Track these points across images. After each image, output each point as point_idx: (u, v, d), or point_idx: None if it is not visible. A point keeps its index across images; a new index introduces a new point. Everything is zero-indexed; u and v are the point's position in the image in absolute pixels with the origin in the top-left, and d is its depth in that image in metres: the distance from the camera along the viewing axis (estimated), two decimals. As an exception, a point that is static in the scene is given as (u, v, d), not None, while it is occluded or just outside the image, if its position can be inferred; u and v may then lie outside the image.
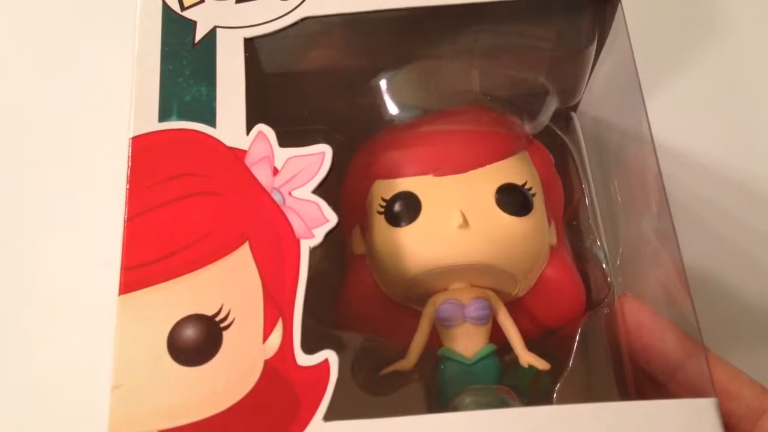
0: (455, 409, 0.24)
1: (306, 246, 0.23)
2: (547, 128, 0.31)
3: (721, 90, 0.40)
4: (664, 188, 0.25)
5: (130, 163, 0.24)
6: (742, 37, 0.42)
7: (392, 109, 0.30)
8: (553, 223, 0.29)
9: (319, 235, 0.23)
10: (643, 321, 0.26)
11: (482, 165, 0.28)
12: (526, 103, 0.31)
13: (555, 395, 0.27)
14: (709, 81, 0.40)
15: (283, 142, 0.25)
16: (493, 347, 0.27)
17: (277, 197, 0.24)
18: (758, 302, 0.35)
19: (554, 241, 0.29)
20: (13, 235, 0.38)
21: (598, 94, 0.32)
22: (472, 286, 0.27)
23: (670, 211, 0.25)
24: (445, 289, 0.27)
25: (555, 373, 0.27)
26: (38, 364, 0.34)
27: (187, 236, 0.23)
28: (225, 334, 0.22)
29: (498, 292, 0.28)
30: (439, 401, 0.27)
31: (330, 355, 0.21)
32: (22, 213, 0.38)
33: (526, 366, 0.26)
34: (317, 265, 0.23)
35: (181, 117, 0.25)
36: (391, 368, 0.27)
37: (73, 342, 0.34)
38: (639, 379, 0.27)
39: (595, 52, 0.30)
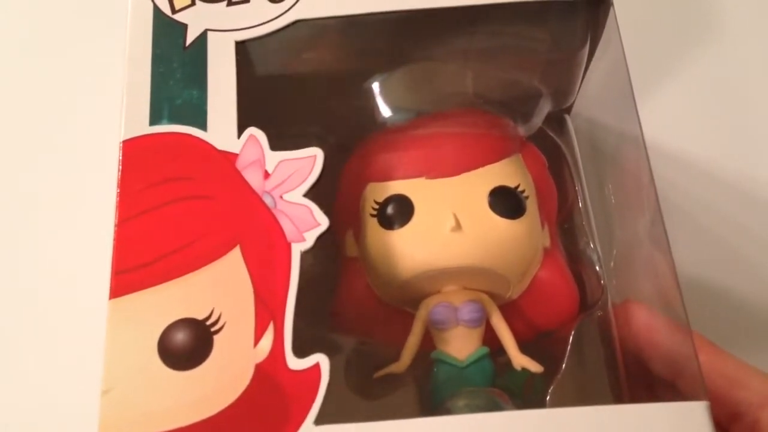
0: (448, 411, 0.24)
1: (297, 250, 0.23)
2: (540, 130, 0.32)
3: (713, 92, 0.40)
4: (656, 191, 0.25)
5: (120, 167, 0.24)
6: (734, 40, 0.42)
7: (385, 111, 0.30)
8: (546, 226, 0.29)
9: (310, 239, 0.23)
10: (653, 323, 0.26)
11: (475, 168, 0.28)
12: (520, 106, 0.31)
13: (548, 398, 0.27)
14: (702, 83, 0.40)
15: (275, 145, 0.25)
16: (486, 350, 0.27)
17: (268, 201, 0.24)
18: (753, 303, 0.35)
19: (547, 243, 0.29)
20: (1, 239, 0.38)
21: (591, 96, 0.32)
22: (465, 288, 0.27)
23: (662, 213, 0.25)
24: (438, 292, 0.27)
25: (548, 376, 0.27)
26: (28, 369, 0.34)
27: (178, 240, 0.23)
28: (216, 338, 0.22)
29: (491, 295, 0.28)
30: (432, 404, 0.27)
31: (321, 359, 0.21)
32: (12, 217, 0.38)
33: (519, 369, 0.26)
34: (310, 268, 0.23)
35: (172, 120, 0.25)
36: (384, 371, 0.27)
37: (64, 346, 0.34)
38: (633, 382, 0.27)
39: (588, 55, 0.30)
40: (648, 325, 0.27)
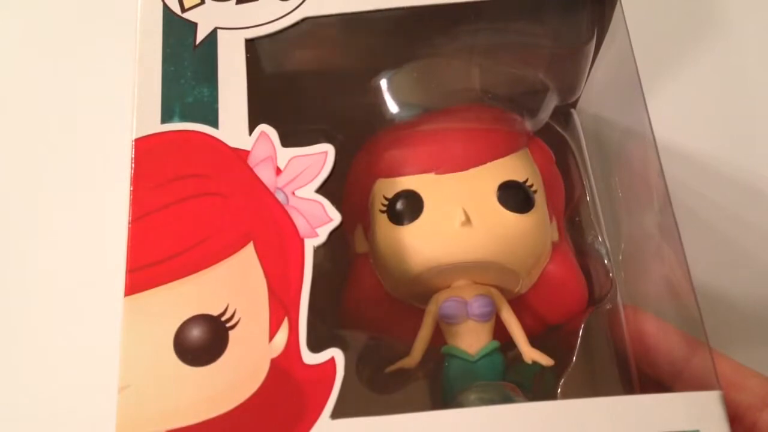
0: (460, 405, 0.24)
1: (310, 245, 0.23)
2: (547, 125, 0.32)
3: (722, 86, 0.40)
4: (665, 184, 0.25)
5: (133, 165, 0.24)
6: (743, 33, 0.42)
7: (393, 108, 0.30)
8: (554, 220, 0.29)
9: (323, 234, 0.23)
10: (645, 328, 0.27)
11: (483, 162, 0.28)
12: (526, 101, 0.31)
13: (559, 391, 0.27)
14: (710, 77, 0.40)
15: (286, 141, 0.25)
16: (496, 344, 0.27)
17: (280, 197, 0.24)
18: (759, 301, 0.35)
19: (556, 237, 0.29)
20: (17, 238, 0.38)
21: (597, 90, 0.32)
22: (474, 283, 0.28)
23: (672, 206, 0.25)
24: (448, 287, 0.28)
25: (559, 369, 0.27)
26: (45, 367, 0.34)
27: (192, 237, 0.23)
28: (231, 333, 0.22)
29: (501, 289, 0.28)
30: (443, 398, 0.27)
31: (336, 354, 0.21)
32: (26, 216, 0.38)
33: (529, 362, 0.26)
34: (320, 264, 0.23)
35: (184, 118, 0.25)
36: (395, 366, 0.27)
37: (80, 344, 0.34)
38: (642, 375, 0.28)
39: (594, 49, 0.30)
40: (641, 331, 0.27)
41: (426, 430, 0.21)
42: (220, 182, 0.24)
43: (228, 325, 0.22)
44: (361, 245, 0.29)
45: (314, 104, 0.30)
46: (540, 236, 0.28)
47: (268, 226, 0.23)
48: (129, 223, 0.23)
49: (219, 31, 0.26)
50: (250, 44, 0.26)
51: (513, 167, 0.28)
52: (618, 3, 0.28)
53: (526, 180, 0.28)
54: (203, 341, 0.22)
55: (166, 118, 0.25)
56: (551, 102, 0.31)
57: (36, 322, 0.35)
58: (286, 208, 0.24)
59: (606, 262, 0.30)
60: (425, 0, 0.27)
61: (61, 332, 0.35)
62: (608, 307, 0.29)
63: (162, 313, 0.22)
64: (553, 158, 0.31)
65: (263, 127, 0.25)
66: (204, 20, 0.27)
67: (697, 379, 0.24)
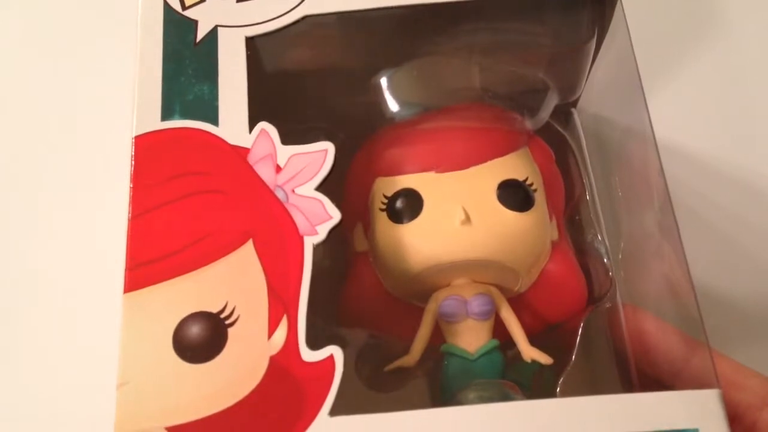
0: (459, 404, 0.24)
1: (310, 243, 0.23)
2: (547, 124, 0.32)
3: (722, 86, 0.40)
4: (666, 183, 0.25)
5: (133, 162, 0.24)
6: (744, 32, 0.42)
7: (393, 106, 0.30)
8: (554, 219, 0.29)
9: (322, 232, 0.23)
10: (644, 327, 0.27)
11: (483, 161, 0.28)
12: (527, 100, 0.31)
13: (558, 390, 0.27)
14: (710, 77, 0.40)
15: (286, 139, 0.25)
16: (496, 342, 0.27)
17: (280, 195, 0.24)
18: (760, 301, 0.35)
19: (556, 236, 0.29)
20: (16, 235, 0.38)
21: (598, 90, 0.32)
22: (474, 281, 0.28)
23: (672, 204, 0.25)
24: (448, 285, 0.28)
25: (558, 368, 0.27)
26: (44, 363, 0.34)
27: (191, 234, 0.23)
28: (230, 331, 0.22)
29: (500, 288, 0.28)
30: (442, 397, 0.27)
31: (335, 351, 0.21)
32: (26, 213, 0.38)
33: (529, 361, 0.26)
34: (320, 262, 0.23)
35: (184, 116, 0.25)
36: (394, 365, 0.27)
37: (79, 341, 0.34)
38: (642, 374, 0.28)
39: (594, 48, 0.30)
40: (640, 330, 0.27)
41: (425, 428, 0.21)
42: (220, 180, 0.24)
43: (227, 322, 0.22)
44: (360, 243, 0.29)
45: (314, 102, 0.30)
46: (540, 235, 0.28)
47: (267, 224, 0.23)
48: (129, 220, 0.23)
49: (219, 28, 0.26)
50: (251, 42, 0.26)
51: (513, 166, 0.28)
52: (618, 2, 0.28)
53: (526, 179, 0.28)
54: (202, 338, 0.22)
55: (166, 115, 0.25)
56: (551, 101, 0.31)
57: (35, 320, 0.35)
58: (286, 205, 0.24)
59: (606, 261, 0.30)
60: (425, -2, 0.27)
61: (60, 330, 0.35)
62: (608, 306, 0.29)
63: (161, 310, 0.22)
64: (553, 157, 0.31)
65: (263, 125, 0.25)
66: (204, 18, 0.27)
67: (696, 378, 0.24)
